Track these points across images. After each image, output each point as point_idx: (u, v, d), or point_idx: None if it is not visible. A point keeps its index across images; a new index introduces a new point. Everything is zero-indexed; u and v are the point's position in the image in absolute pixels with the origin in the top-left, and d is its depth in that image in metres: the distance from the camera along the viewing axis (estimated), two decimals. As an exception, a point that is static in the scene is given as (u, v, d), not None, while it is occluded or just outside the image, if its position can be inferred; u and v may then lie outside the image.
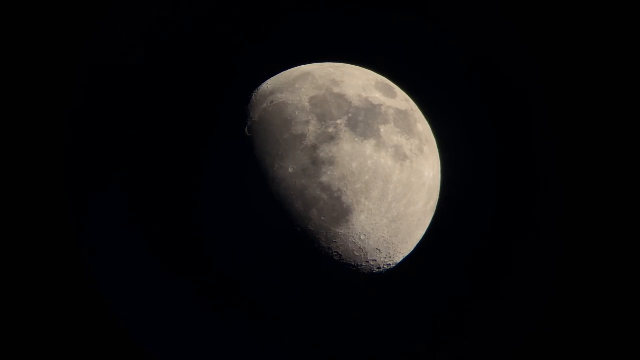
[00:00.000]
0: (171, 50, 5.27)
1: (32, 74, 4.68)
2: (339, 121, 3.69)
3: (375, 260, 3.96)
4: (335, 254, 3.80)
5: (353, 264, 3.89)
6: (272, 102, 3.87)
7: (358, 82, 3.92)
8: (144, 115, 5.24)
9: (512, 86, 4.93)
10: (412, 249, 4.17)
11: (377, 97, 3.89)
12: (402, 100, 4.03)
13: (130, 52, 5.16)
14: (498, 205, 5.01)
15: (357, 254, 3.84)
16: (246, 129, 3.85)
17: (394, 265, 4.16)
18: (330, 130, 3.67)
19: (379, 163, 3.67)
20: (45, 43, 4.67)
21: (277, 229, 3.73)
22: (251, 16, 5.23)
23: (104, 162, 5.15)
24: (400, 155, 3.77)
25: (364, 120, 3.73)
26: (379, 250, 3.89)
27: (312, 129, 3.67)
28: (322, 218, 3.67)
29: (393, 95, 4.01)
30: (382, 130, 3.76)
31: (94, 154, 5.12)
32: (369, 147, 3.68)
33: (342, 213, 3.66)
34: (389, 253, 3.97)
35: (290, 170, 3.65)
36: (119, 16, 5.03)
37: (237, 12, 5.25)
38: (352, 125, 3.70)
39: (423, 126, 4.09)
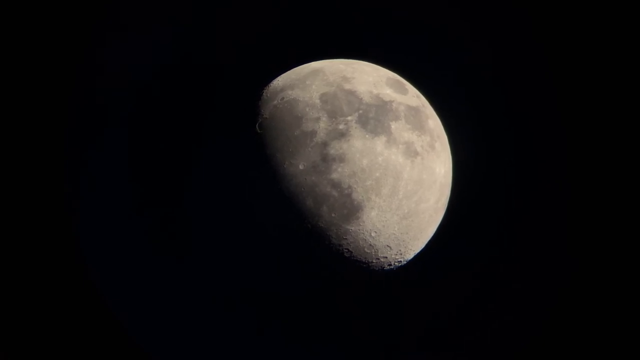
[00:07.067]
0: (172, 50, 5.25)
1: (32, 74, 4.64)
2: (349, 118, 3.68)
3: (386, 257, 3.95)
4: (346, 250, 3.79)
5: (363, 260, 3.88)
6: (282, 98, 3.84)
7: (369, 78, 3.91)
8: (144, 115, 5.22)
9: (524, 82, 4.95)
10: (423, 246, 4.17)
11: (388, 93, 3.87)
12: (413, 97, 4.03)
13: (131, 51, 5.13)
14: (510, 202, 5.02)
15: (368, 251, 3.83)
16: (257, 125, 3.83)
17: (405, 262, 4.15)
18: (341, 126, 3.65)
19: (389, 160, 3.66)
20: (45, 43, 4.63)
21: (287, 226, 3.72)
22: (255, 14, 5.22)
23: (106, 163, 5.11)
24: (411, 152, 3.76)
25: (375, 117, 3.72)
26: (390, 247, 3.88)
27: (322, 126, 3.65)
28: (333, 215, 3.65)
29: (404, 92, 4.00)
30: (392, 126, 3.74)
31: (95, 155, 5.08)
32: (379, 143, 3.66)
33: (353, 210, 3.65)
34: (400, 250, 3.96)
35: (301, 167, 3.63)
36: (119, 16, 5.00)
37: (240, 11, 5.24)
38: (363, 121, 3.68)
39: (434, 122, 4.08)
